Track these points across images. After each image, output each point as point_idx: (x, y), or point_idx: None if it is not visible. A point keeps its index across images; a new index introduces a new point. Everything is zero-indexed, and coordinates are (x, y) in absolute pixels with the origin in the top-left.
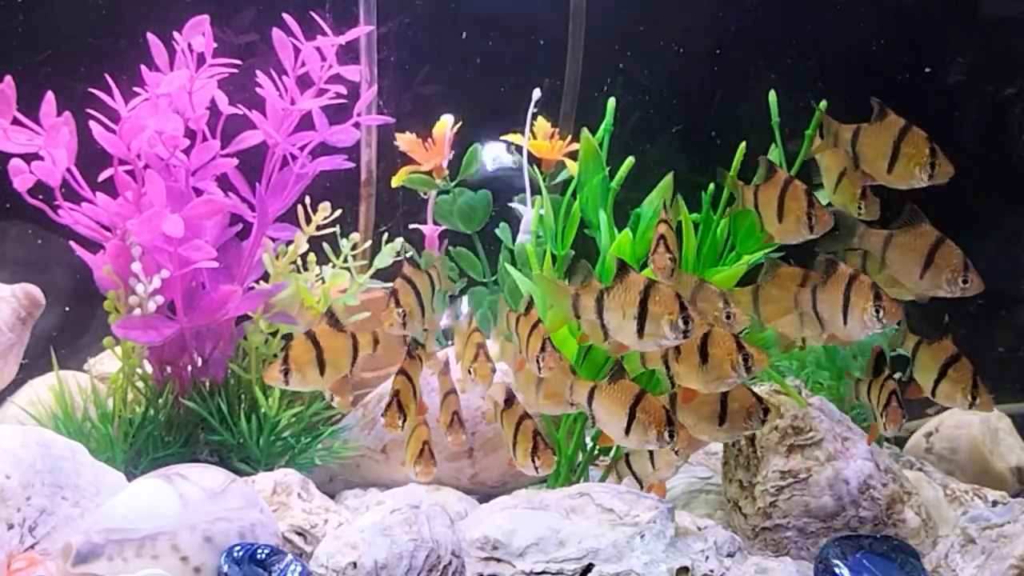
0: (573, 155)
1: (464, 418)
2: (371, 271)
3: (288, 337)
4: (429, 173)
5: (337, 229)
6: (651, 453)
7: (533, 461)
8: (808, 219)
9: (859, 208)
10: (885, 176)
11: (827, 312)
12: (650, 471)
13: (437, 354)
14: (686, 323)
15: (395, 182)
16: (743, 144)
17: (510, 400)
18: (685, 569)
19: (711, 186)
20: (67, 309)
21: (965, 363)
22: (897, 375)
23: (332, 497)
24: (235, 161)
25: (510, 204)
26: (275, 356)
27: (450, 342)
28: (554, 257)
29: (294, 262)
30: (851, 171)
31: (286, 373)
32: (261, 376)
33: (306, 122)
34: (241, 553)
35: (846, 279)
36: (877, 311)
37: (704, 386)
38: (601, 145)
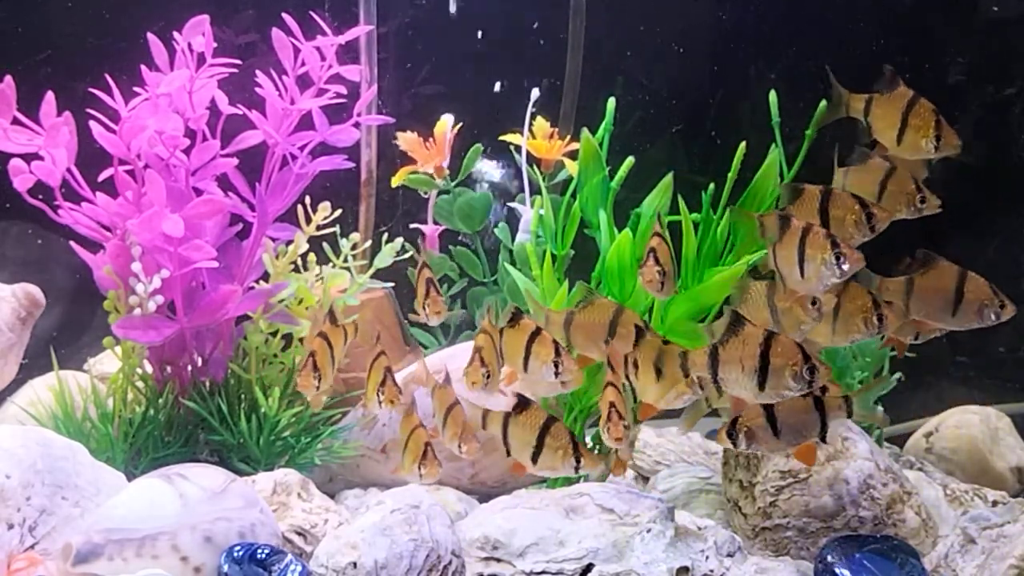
0: (573, 155)
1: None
2: (371, 271)
3: (288, 337)
4: (430, 173)
5: (337, 229)
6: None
7: (419, 469)
8: (868, 219)
9: (917, 206)
10: (895, 147)
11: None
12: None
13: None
14: (811, 374)
15: (395, 181)
16: (743, 144)
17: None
18: (685, 569)
19: (711, 186)
20: (67, 309)
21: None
22: (897, 375)
23: (332, 497)
24: (235, 161)
25: (510, 204)
26: (275, 355)
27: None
28: (554, 257)
29: (294, 262)
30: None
31: (318, 378)
32: (295, 381)
33: (306, 122)
34: (241, 553)
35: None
36: None
37: (666, 402)
38: (601, 145)
